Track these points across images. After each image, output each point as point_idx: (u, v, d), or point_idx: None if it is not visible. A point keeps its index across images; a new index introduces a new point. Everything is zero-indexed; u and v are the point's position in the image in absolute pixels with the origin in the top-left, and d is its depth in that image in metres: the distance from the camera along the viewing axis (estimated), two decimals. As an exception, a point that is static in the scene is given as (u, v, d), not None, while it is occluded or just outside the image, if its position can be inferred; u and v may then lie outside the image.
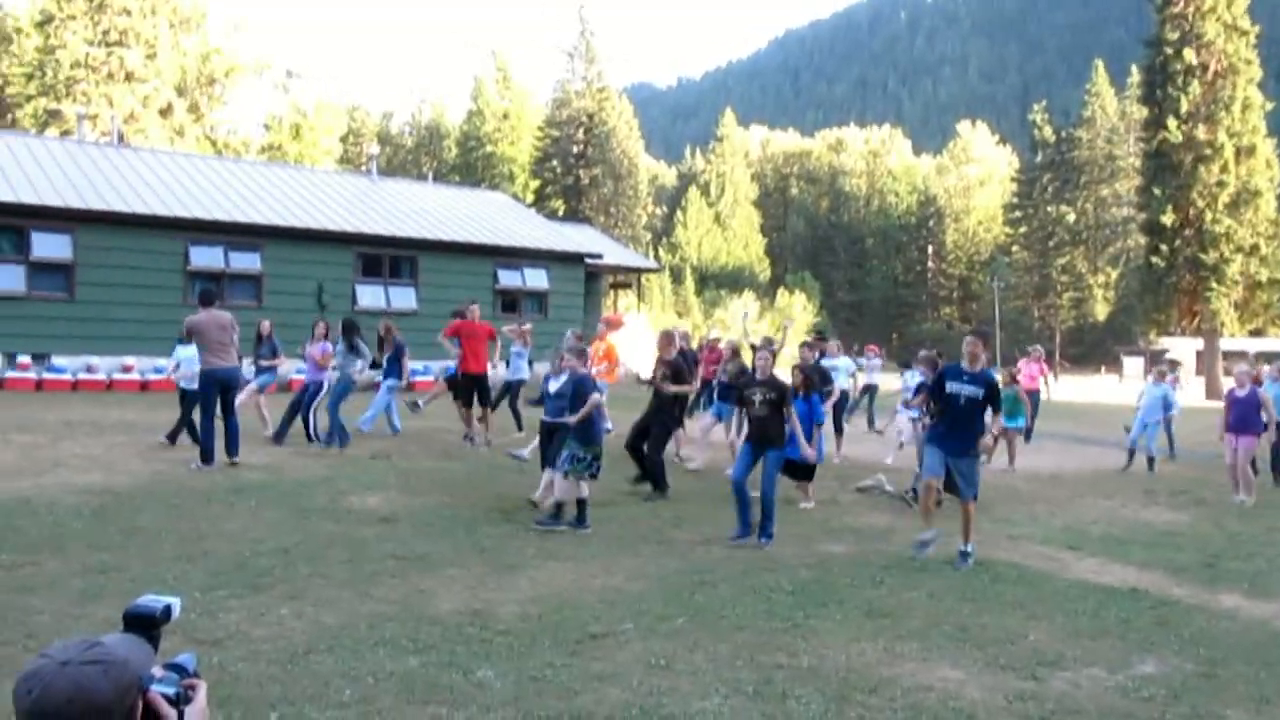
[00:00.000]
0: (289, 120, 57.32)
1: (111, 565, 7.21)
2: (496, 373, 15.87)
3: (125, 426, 14.40)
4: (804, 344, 14.85)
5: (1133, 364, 65.62)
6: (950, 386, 8.62)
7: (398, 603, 6.63)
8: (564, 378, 10.10)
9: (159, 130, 43.78)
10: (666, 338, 12.83)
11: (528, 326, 16.98)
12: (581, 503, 9.25)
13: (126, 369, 20.68)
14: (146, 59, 44.14)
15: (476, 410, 14.73)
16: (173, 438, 13.01)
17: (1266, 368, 14.97)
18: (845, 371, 16.95)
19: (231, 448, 11.96)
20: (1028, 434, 17.39)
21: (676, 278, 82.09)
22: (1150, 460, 15.51)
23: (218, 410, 11.87)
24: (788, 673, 5.49)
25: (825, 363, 15.17)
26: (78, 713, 1.42)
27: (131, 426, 14.28)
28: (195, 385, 12.41)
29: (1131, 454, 15.69)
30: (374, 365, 14.85)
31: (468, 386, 14.64)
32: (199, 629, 5.79)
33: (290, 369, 17.26)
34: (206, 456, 11.62)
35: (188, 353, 12.87)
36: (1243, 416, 12.85)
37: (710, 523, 9.92)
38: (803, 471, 11.17)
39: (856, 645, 6.05)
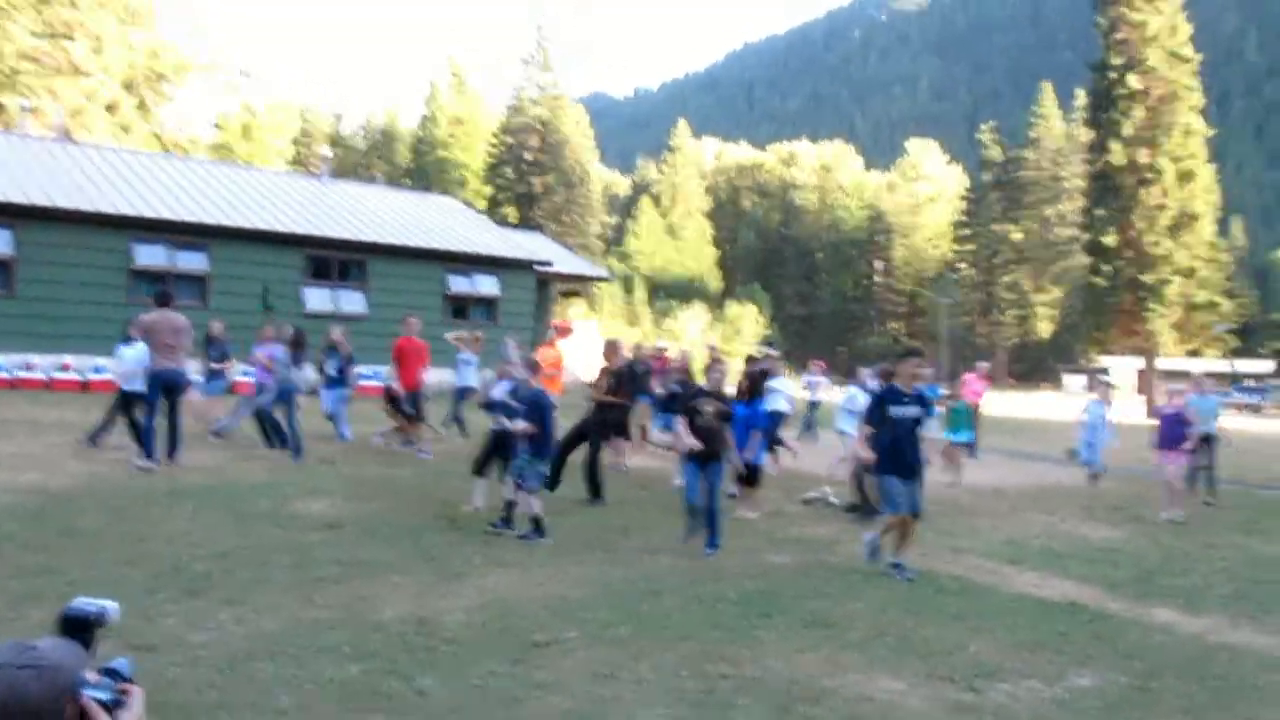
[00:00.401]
0: (239, 120, 56.71)
1: (48, 567, 7.06)
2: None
3: (64, 426, 14.11)
4: (749, 358, 14.87)
5: (1074, 381, 66.84)
6: (893, 411, 8.57)
7: (341, 609, 6.56)
8: (506, 385, 10.30)
9: (105, 126, 43.01)
10: (611, 347, 12.88)
11: (479, 334, 16.90)
12: (536, 519, 9.21)
13: (65, 368, 20.26)
14: (93, 53, 43.37)
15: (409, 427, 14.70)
16: (95, 439, 12.71)
17: (1185, 385, 15.33)
18: (784, 397, 15.34)
19: (174, 449, 11.95)
20: (972, 448, 17.59)
21: (628, 287, 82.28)
22: (1093, 475, 15.79)
23: (161, 411, 11.82)
24: (732, 682, 5.51)
25: (770, 383, 14.99)
26: (9, 717, 1.39)
27: (70, 426, 13.99)
28: (135, 386, 12.23)
29: (1095, 474, 15.94)
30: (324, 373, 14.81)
31: (411, 402, 14.54)
32: (136, 634, 5.68)
33: (238, 372, 17.00)
34: (149, 454, 11.59)
35: (130, 353, 12.63)
36: (1170, 433, 13.21)
37: (657, 531, 9.93)
38: (749, 478, 11.22)
39: (800, 656, 6.09)
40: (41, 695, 1.42)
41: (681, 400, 9.57)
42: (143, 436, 11.77)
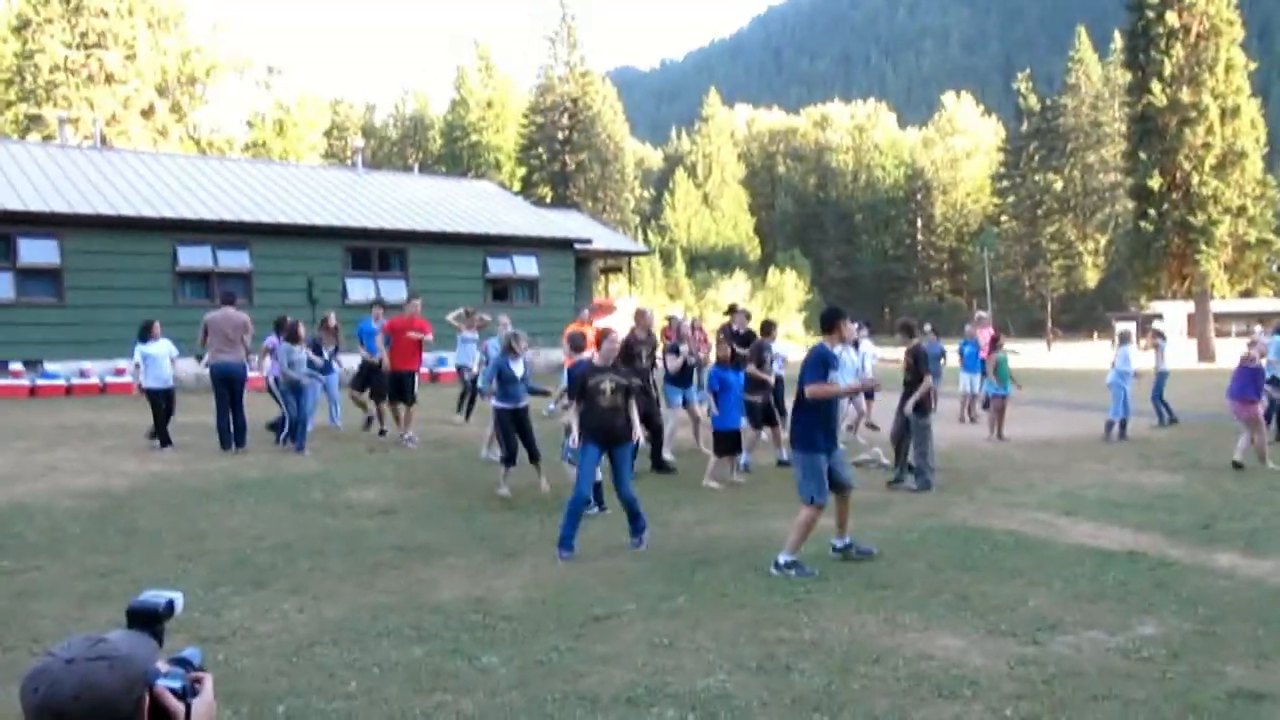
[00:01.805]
0: (272, 117, 57.10)
1: (112, 568, 7.22)
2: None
3: (120, 429, 14.38)
4: (731, 309, 14.54)
5: (1124, 329, 65.78)
6: (834, 376, 7.52)
7: (400, 593, 6.65)
8: (522, 361, 10.23)
9: (141, 131, 43.56)
10: (639, 316, 12.80)
11: (477, 313, 16.76)
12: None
13: (119, 372, 20.61)
14: (126, 60, 43.87)
15: (372, 407, 14.63)
16: (163, 440, 12.97)
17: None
18: (851, 369, 13.84)
19: (239, 439, 12.79)
20: (988, 400, 17.29)
21: (667, 260, 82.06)
22: (1109, 424, 15.16)
23: (227, 402, 12.81)
24: (790, 647, 5.53)
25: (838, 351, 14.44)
26: (85, 709, 1.42)
27: (126, 429, 14.25)
28: (160, 384, 12.83)
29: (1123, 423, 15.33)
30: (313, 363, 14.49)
31: (396, 384, 14.02)
32: (203, 626, 5.81)
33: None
34: (224, 444, 12.70)
35: (152, 350, 12.90)
36: (1248, 383, 12.60)
37: (709, 503, 9.96)
38: (731, 444, 11.14)
39: (857, 617, 6.08)
40: (115, 686, 1.45)
41: (577, 381, 8.31)
42: (218, 427, 12.74)
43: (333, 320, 14.76)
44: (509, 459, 10.15)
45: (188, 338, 14.82)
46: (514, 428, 10.19)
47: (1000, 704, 4.70)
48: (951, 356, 18.64)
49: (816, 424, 7.39)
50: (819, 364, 7.46)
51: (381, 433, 14.39)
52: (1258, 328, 13.69)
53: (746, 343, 12.97)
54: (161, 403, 12.90)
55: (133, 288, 20.91)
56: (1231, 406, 12.76)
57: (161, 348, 13.00)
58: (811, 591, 6.67)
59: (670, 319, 15.17)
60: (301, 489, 10.40)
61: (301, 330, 13.20)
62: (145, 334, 12.98)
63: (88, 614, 6.10)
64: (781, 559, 7.22)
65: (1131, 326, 22.24)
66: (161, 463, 11.93)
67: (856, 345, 14.03)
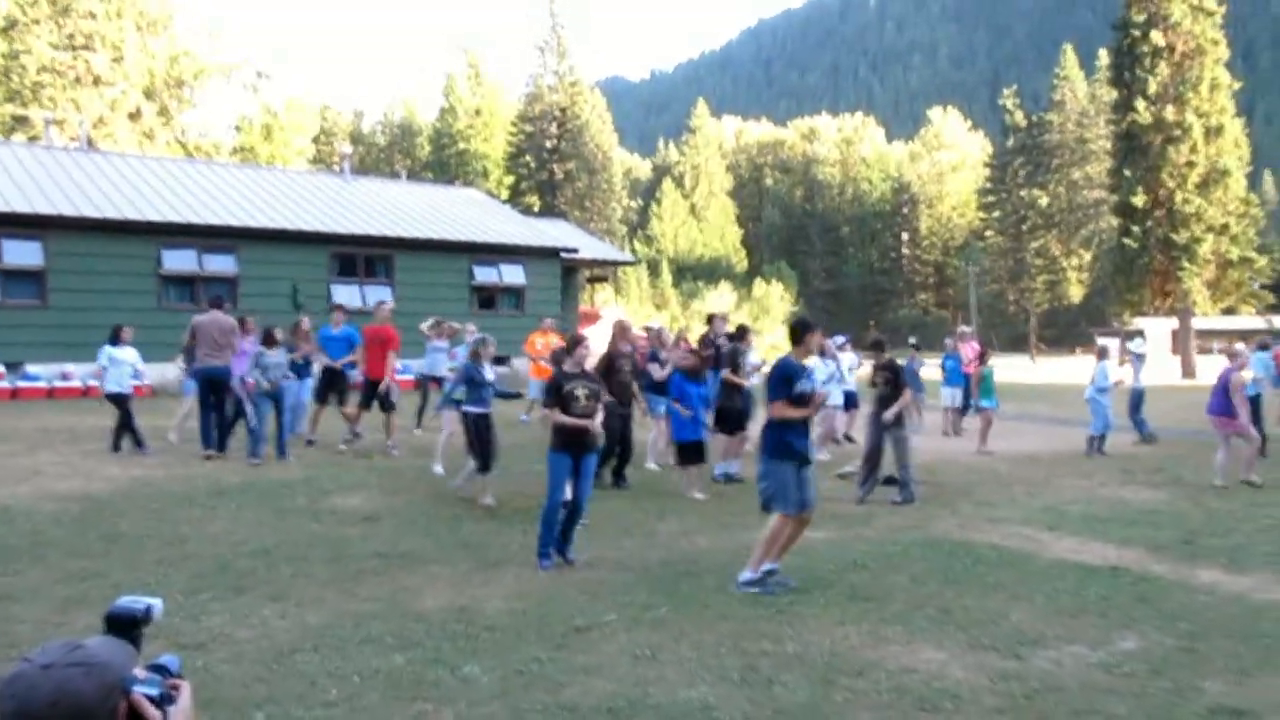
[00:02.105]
0: (260, 121, 56.97)
1: (93, 572, 7.17)
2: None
3: (102, 433, 14.25)
4: (711, 319, 14.50)
5: (1108, 345, 66.06)
6: (801, 386, 7.20)
7: (382, 601, 6.62)
8: (488, 367, 10.25)
9: (128, 134, 43.35)
10: (619, 329, 12.64)
11: (446, 321, 16.49)
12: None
13: (99, 375, 20.47)
14: (113, 62, 43.68)
15: (353, 414, 14.03)
16: (138, 442, 12.88)
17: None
18: (828, 377, 14.23)
19: (221, 443, 12.78)
20: (964, 411, 17.49)
21: (653, 270, 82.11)
22: (1091, 439, 15.19)
23: (210, 405, 12.77)
24: (773, 659, 5.52)
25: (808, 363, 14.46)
26: (61, 715, 1.41)
27: (108, 433, 14.14)
28: (118, 390, 12.83)
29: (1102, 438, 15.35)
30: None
31: (367, 392, 13.87)
32: (182, 632, 5.77)
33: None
34: (208, 444, 12.64)
35: (119, 355, 12.84)
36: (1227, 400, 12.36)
37: (692, 514, 9.95)
38: (695, 454, 11.16)
39: (840, 630, 6.08)
40: (92, 693, 1.43)
41: (551, 389, 8.06)
42: (202, 430, 12.73)
43: (305, 324, 14.38)
44: (485, 467, 10.11)
45: (171, 341, 14.75)
46: (478, 431, 10.14)
47: (982, 718, 4.71)
48: (934, 370, 18.71)
49: (787, 432, 7.12)
50: (781, 381, 7.15)
51: (309, 443, 13.88)
52: (1239, 344, 13.65)
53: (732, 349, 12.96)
54: (118, 407, 12.80)
55: (117, 290, 20.80)
56: (1213, 422, 12.72)
57: (129, 354, 12.96)
58: (794, 604, 6.67)
59: (647, 328, 15.14)
60: (285, 495, 10.34)
61: (278, 334, 12.92)
62: (115, 338, 12.94)
63: (68, 618, 6.06)
64: (743, 576, 6.98)
65: (1113, 342, 22.31)
66: (143, 467, 11.86)
67: (823, 354, 14.06)
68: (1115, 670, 5.40)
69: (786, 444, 7.09)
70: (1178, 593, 7.08)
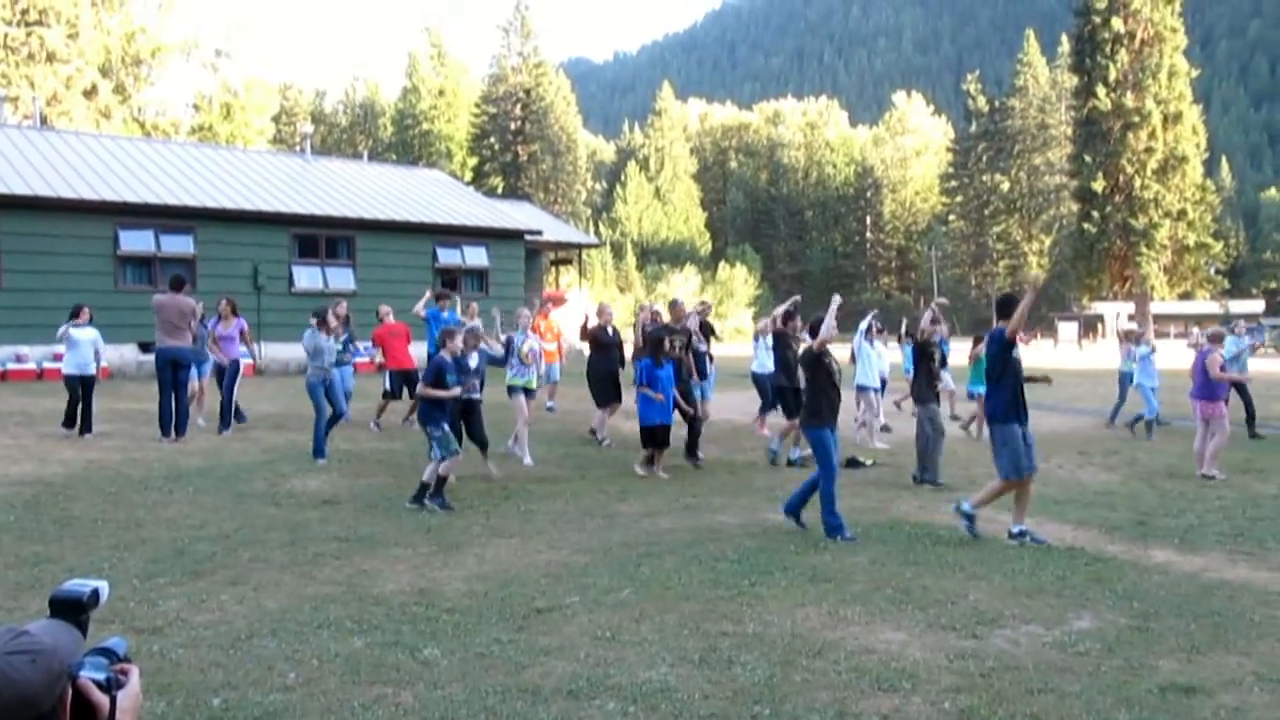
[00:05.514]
0: (219, 100, 56.17)
1: (45, 557, 7.07)
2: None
3: (57, 416, 14.05)
4: (644, 309, 14.61)
5: (1067, 329, 66.89)
6: (1016, 353, 8.38)
7: (341, 584, 6.58)
8: (476, 354, 10.46)
9: (84, 112, 42.58)
10: (601, 310, 13.14)
11: (420, 306, 16.30)
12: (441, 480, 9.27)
13: (58, 358, 20.16)
14: (68, 39, 42.83)
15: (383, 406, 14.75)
16: (87, 426, 12.74)
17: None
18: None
19: (180, 427, 12.62)
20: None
21: (618, 253, 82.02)
22: (1147, 424, 15.35)
23: (170, 387, 12.63)
24: (733, 640, 5.55)
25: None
26: (6, 705, 1.38)
27: (63, 416, 13.95)
28: (78, 371, 12.71)
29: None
30: None
31: (400, 383, 14.55)
32: (138, 617, 5.70)
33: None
34: (165, 431, 12.49)
35: (79, 335, 12.68)
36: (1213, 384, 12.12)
37: (655, 495, 9.97)
38: (659, 438, 11.23)
39: (801, 610, 6.12)
40: (37, 681, 1.40)
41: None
42: (160, 413, 12.59)
43: (344, 308, 14.07)
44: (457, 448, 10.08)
45: (129, 322, 14.62)
46: (461, 418, 10.15)
47: (939, 697, 4.75)
48: (895, 354, 18.80)
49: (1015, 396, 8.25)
50: (1005, 348, 8.30)
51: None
52: (1195, 330, 13.84)
53: (708, 331, 13.83)
54: (78, 389, 12.62)
55: (72, 271, 20.48)
56: (1197, 406, 12.19)
57: (88, 334, 12.79)
58: (755, 585, 6.70)
59: (642, 308, 15.10)
60: (244, 478, 10.25)
61: (332, 318, 12.41)
62: (74, 318, 12.76)
63: (20, 604, 5.97)
64: (1014, 528, 8.24)
65: (1133, 326, 22.45)
66: (99, 450, 11.71)
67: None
68: (1070, 649, 5.47)
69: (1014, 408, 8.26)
70: (1131, 573, 7.18)
